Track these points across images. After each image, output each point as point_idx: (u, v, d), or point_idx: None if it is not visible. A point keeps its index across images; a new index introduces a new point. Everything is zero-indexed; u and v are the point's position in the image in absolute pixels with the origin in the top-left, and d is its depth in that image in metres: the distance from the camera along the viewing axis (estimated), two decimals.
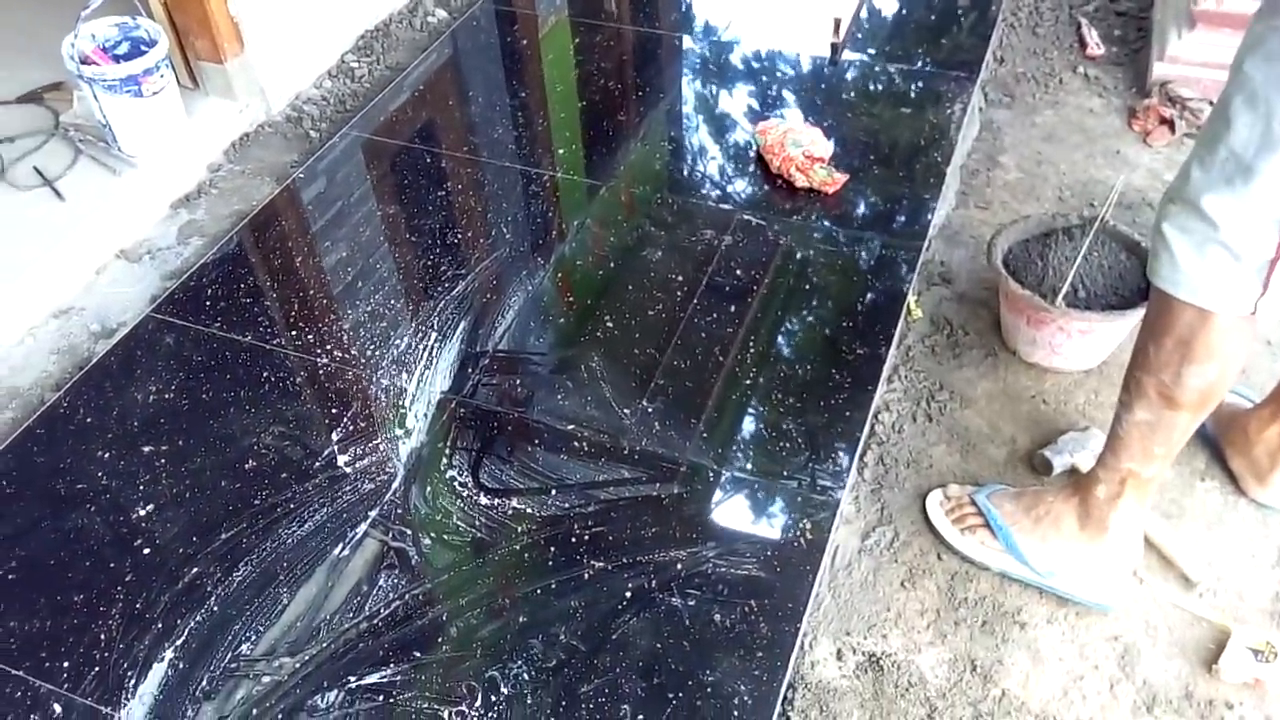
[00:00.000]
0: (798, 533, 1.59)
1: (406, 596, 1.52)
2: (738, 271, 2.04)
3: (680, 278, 2.03)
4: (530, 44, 2.78)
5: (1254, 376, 1.83)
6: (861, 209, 2.20)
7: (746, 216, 2.17)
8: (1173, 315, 1.24)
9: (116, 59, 2.20)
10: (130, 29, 2.23)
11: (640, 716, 1.38)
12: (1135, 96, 2.52)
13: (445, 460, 1.71)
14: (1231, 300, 1.19)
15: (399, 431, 1.76)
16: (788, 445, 1.72)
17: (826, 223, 2.15)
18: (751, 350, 1.88)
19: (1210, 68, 2.41)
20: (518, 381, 1.85)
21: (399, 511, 1.64)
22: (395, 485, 1.67)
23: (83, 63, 2.13)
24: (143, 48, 2.20)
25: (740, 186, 2.27)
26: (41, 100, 2.40)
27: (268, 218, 2.21)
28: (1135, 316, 1.74)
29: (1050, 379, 1.87)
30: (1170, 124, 2.39)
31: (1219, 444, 1.70)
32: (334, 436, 1.75)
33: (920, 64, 2.61)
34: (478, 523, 1.62)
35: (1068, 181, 2.30)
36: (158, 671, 1.44)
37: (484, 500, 1.65)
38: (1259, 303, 1.18)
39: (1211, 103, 1.19)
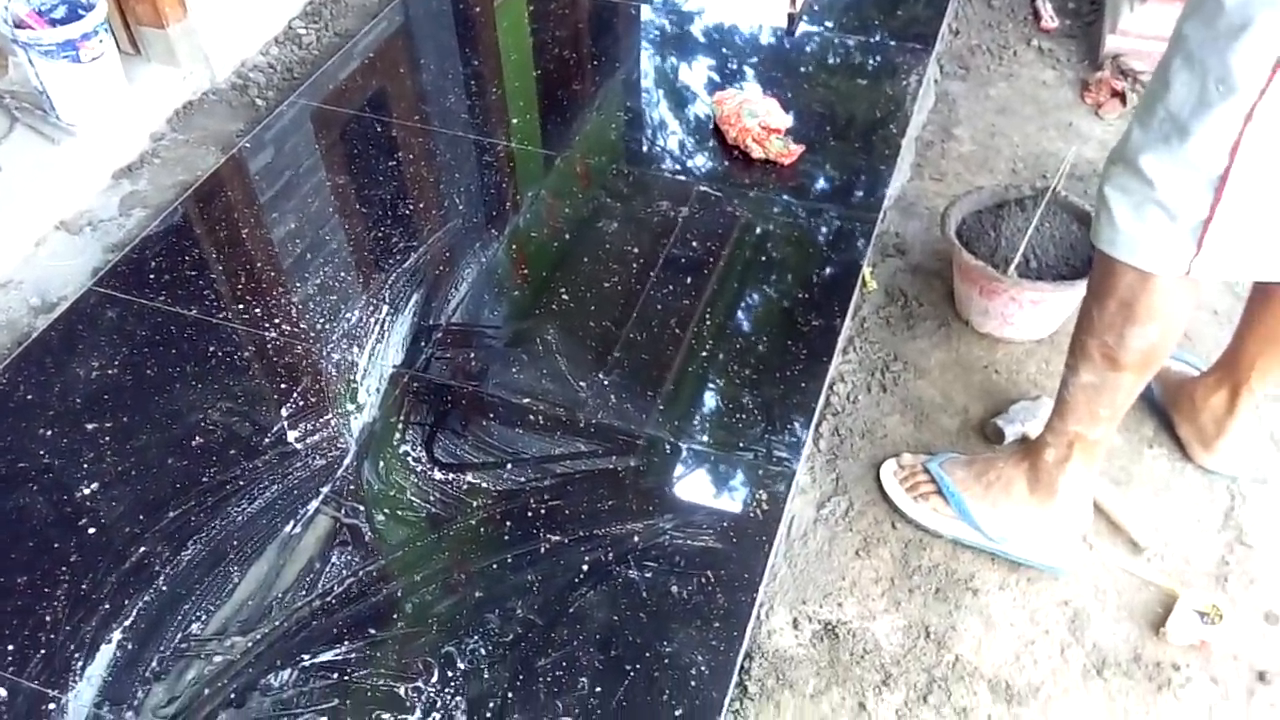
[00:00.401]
0: (754, 504, 1.59)
1: (360, 573, 1.51)
2: (694, 243, 2.03)
3: (636, 250, 2.01)
4: (484, 11, 2.73)
5: (1200, 345, 1.87)
6: (818, 181, 2.19)
7: (703, 188, 2.16)
8: (1114, 277, 1.26)
9: (53, 23, 2.12)
10: None
11: (598, 688, 1.38)
12: (1088, 69, 2.54)
13: (398, 435, 1.69)
14: (1168, 261, 1.20)
15: (350, 406, 1.73)
16: (744, 417, 1.72)
17: (783, 195, 2.15)
18: (708, 323, 1.87)
19: (1162, 41, 2.36)
20: (472, 355, 1.83)
21: (351, 487, 1.61)
22: (347, 461, 1.65)
23: (17, 27, 2.06)
24: (80, 11, 2.12)
25: (697, 158, 2.25)
26: None
27: (213, 188, 2.16)
28: (1085, 286, 1.75)
29: (1002, 349, 1.88)
30: (1122, 96, 2.41)
31: (1167, 411, 1.73)
32: (284, 412, 1.72)
33: (877, 36, 2.61)
34: (432, 498, 1.60)
35: (1021, 153, 2.31)
36: (106, 653, 1.41)
37: (438, 475, 1.63)
38: (1193, 263, 1.19)
39: None
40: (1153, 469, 1.69)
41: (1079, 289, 1.76)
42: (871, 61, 2.53)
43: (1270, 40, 1.02)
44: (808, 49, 2.59)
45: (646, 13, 2.73)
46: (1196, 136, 1.11)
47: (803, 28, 2.64)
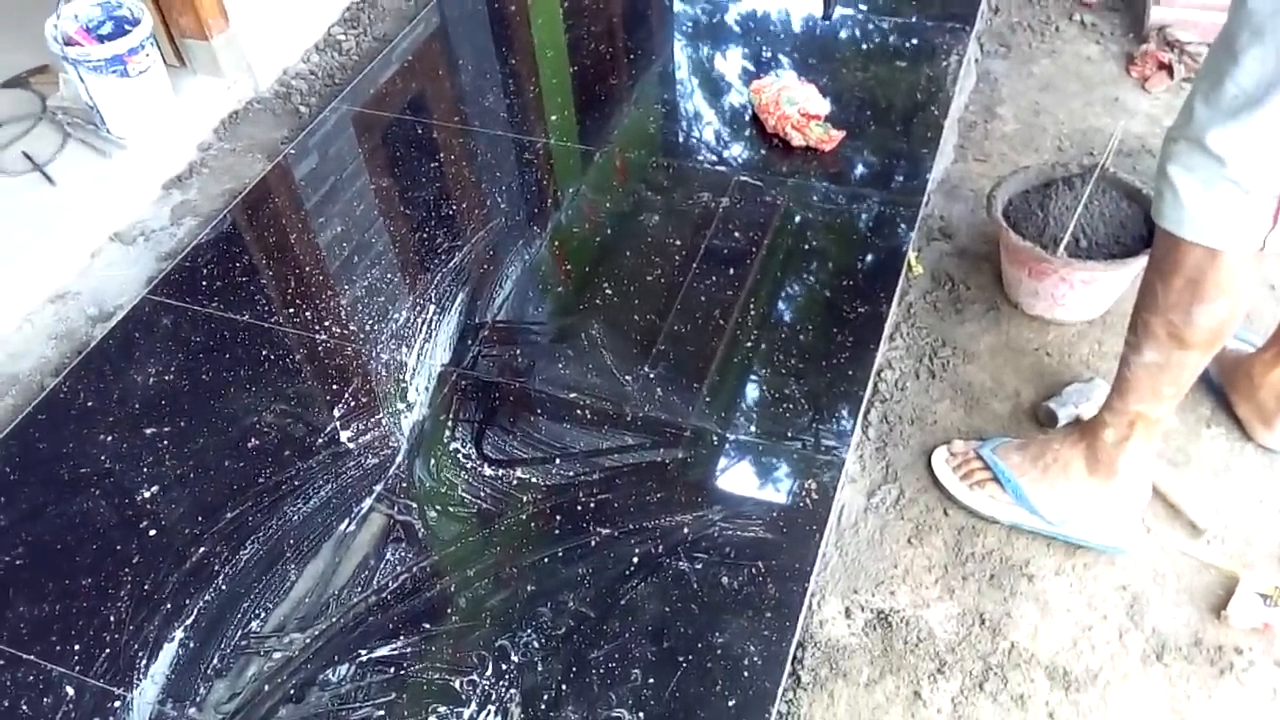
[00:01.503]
0: (803, 493, 1.59)
1: (414, 569, 1.53)
2: (736, 234, 2.02)
3: (678, 242, 2.01)
4: (519, 9, 2.74)
5: (1257, 321, 1.82)
6: (859, 166, 2.17)
7: (743, 178, 2.15)
8: (1180, 255, 1.23)
9: (100, 39, 2.17)
10: (113, 8, 2.21)
11: (651, 680, 1.39)
12: (1132, 42, 2.49)
13: (448, 433, 1.71)
14: (1240, 237, 1.18)
15: (400, 405, 1.76)
16: (791, 407, 1.71)
17: (824, 181, 2.13)
18: (752, 312, 1.87)
19: (1209, 9, 2.37)
20: (518, 351, 1.84)
21: (403, 485, 1.63)
22: (399, 459, 1.67)
23: (66, 44, 2.11)
24: (126, 26, 2.17)
25: (736, 148, 2.24)
26: (28, 84, 2.38)
27: (260, 195, 2.19)
28: (1138, 265, 1.72)
29: (1053, 331, 1.85)
30: (1169, 69, 2.36)
31: (1224, 390, 1.69)
32: (336, 413, 1.74)
33: (914, 16, 2.58)
34: (482, 494, 1.62)
35: (1066, 131, 2.27)
36: (168, 651, 1.45)
37: (488, 471, 1.65)
38: (1268, 238, 1.17)
39: (1210, 45, 1.17)
40: (1211, 449, 1.66)
41: (1132, 267, 1.73)
42: (910, 43, 2.50)
43: None
44: (844, 33, 2.56)
45: (680, 3, 2.72)
46: (1270, 110, 1.09)
47: (839, 11, 2.62)
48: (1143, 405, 1.41)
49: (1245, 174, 1.14)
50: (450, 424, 1.72)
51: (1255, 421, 1.64)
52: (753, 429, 1.68)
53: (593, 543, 1.54)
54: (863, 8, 2.63)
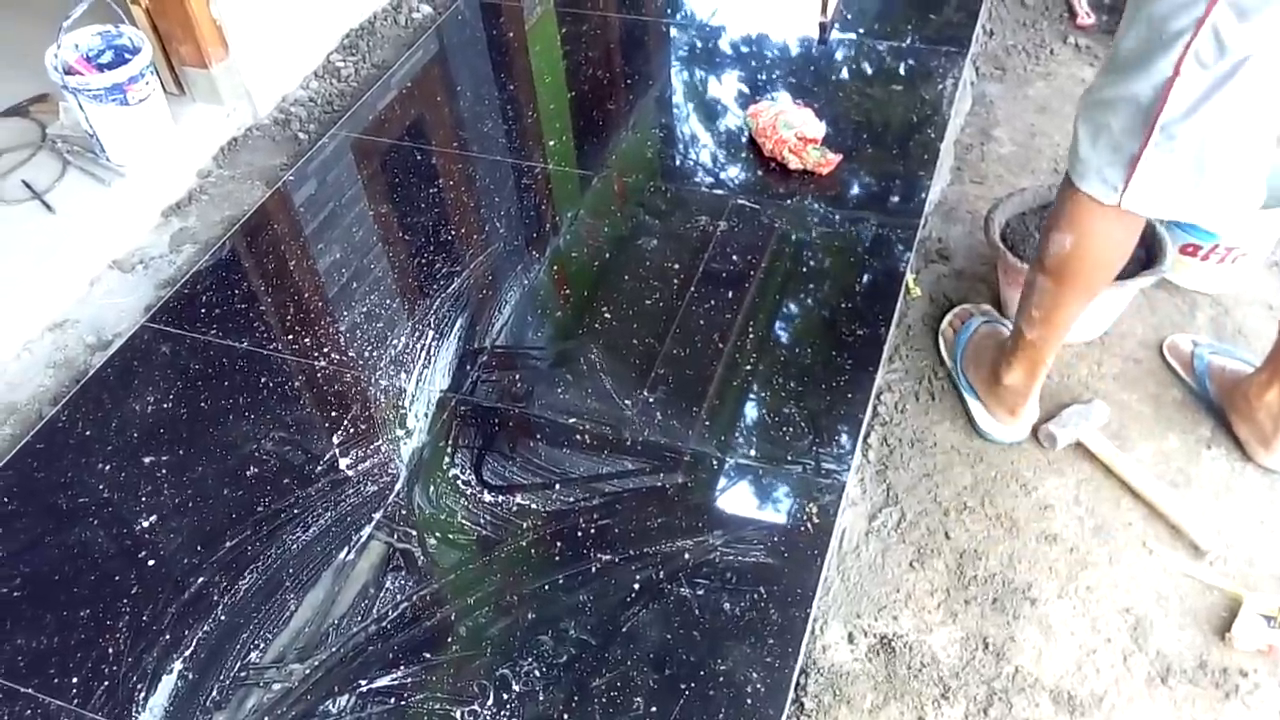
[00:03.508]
0: (804, 517, 1.58)
1: (414, 597, 1.52)
2: (734, 257, 2.03)
3: (676, 266, 2.02)
4: (516, 36, 2.76)
5: (1255, 341, 1.82)
6: (856, 189, 2.18)
7: (741, 201, 2.16)
8: (1063, 191, 1.42)
9: (100, 68, 2.18)
10: (113, 37, 2.22)
11: (653, 708, 1.38)
12: None
13: (448, 459, 1.71)
14: (1100, 186, 1.34)
15: (400, 432, 1.75)
16: (791, 430, 1.71)
17: (821, 204, 2.14)
18: (751, 336, 1.87)
19: None
20: (517, 377, 1.84)
21: (403, 512, 1.63)
22: (398, 486, 1.67)
23: (67, 73, 2.12)
24: (126, 55, 2.18)
25: (733, 171, 2.25)
26: (27, 113, 2.39)
27: (259, 222, 2.20)
28: (1134, 286, 1.73)
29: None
30: None
31: (1224, 411, 1.70)
32: (335, 440, 1.74)
33: (910, 40, 2.59)
34: (482, 520, 1.61)
35: (1062, 153, 2.28)
36: (167, 683, 1.44)
37: (488, 498, 1.64)
38: (1123, 196, 1.32)
39: None
40: (1212, 471, 1.66)
41: (1127, 289, 1.74)
42: (906, 66, 2.51)
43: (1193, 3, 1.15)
44: (840, 57, 2.58)
45: (676, 29, 2.74)
46: (1138, 76, 1.24)
47: (834, 35, 2.63)
48: (1021, 321, 1.59)
49: (1117, 131, 1.29)
50: (450, 450, 1.72)
51: (1254, 442, 1.65)
52: (752, 452, 1.68)
53: (593, 569, 1.53)
54: (858, 32, 2.64)
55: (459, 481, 1.67)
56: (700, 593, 1.49)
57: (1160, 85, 1.22)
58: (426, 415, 1.78)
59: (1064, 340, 1.60)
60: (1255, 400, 1.63)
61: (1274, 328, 1.84)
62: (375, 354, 1.89)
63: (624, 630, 1.46)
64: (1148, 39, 1.21)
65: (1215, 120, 1.22)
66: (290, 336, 1.93)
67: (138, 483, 1.69)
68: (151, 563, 1.59)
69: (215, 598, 1.53)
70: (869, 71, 2.53)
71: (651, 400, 1.77)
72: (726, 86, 2.52)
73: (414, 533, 1.60)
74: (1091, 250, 1.43)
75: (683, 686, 1.39)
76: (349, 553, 1.58)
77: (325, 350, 1.90)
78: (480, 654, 1.45)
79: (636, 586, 1.51)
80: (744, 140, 2.31)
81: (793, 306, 1.93)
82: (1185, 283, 1.93)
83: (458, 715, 1.38)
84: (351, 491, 1.66)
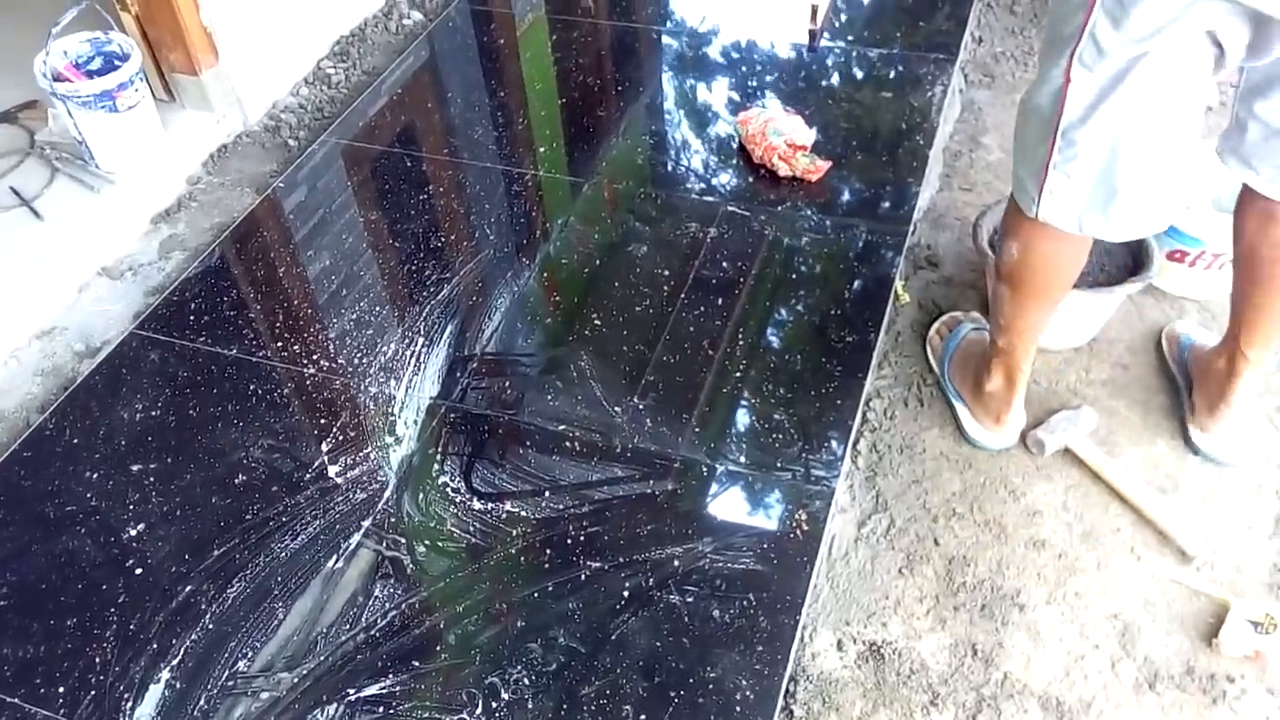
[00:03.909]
0: (793, 524, 1.58)
1: (403, 605, 1.51)
2: (724, 264, 2.03)
3: (667, 272, 2.02)
4: (507, 43, 2.77)
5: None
6: (846, 196, 2.19)
7: (731, 208, 2.16)
8: (1008, 203, 1.46)
9: (90, 75, 2.18)
10: (103, 44, 2.21)
11: (643, 716, 1.38)
12: None
13: (437, 466, 1.70)
14: (1023, 196, 1.39)
15: (389, 439, 1.75)
16: (780, 436, 1.71)
17: (811, 211, 2.14)
18: (741, 342, 1.87)
19: None
20: (507, 384, 1.84)
21: (392, 520, 1.63)
22: (387, 494, 1.66)
23: (56, 80, 2.11)
24: (116, 62, 2.18)
25: (724, 178, 2.26)
26: (16, 120, 2.38)
27: (249, 229, 2.20)
28: (1122, 292, 1.74)
29: (1040, 358, 1.85)
30: None
31: (1190, 380, 1.74)
32: (324, 447, 1.74)
33: (899, 47, 2.60)
34: (472, 528, 1.61)
35: None
36: (154, 692, 1.43)
37: (477, 505, 1.64)
38: (1037, 208, 1.35)
39: None
40: (1200, 476, 1.66)
41: (1116, 295, 1.74)
42: (895, 73, 2.52)
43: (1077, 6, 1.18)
44: (830, 64, 2.59)
45: (667, 36, 2.75)
46: (1042, 83, 1.28)
47: (824, 42, 2.64)
48: (992, 329, 1.63)
49: (1030, 143, 1.33)
50: (439, 457, 1.72)
51: (1202, 409, 1.68)
52: (742, 459, 1.68)
53: (583, 576, 1.53)
54: (847, 39, 2.65)
55: (448, 489, 1.67)
56: (690, 600, 1.49)
57: (1057, 91, 1.24)
58: (416, 422, 1.78)
59: (1035, 347, 1.61)
60: (1210, 366, 1.68)
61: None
62: (365, 361, 1.88)
63: (613, 638, 1.46)
64: (1046, 46, 1.26)
65: (1111, 129, 1.24)
66: (279, 343, 1.93)
67: (125, 491, 1.69)
68: (139, 571, 1.58)
69: (203, 606, 1.53)
70: (858, 78, 2.53)
71: (641, 407, 1.77)
72: (716, 93, 2.52)
73: (403, 540, 1.60)
74: (1035, 259, 1.45)
75: (672, 694, 1.39)
76: (338, 561, 1.57)
77: (314, 357, 1.90)
78: (469, 662, 1.44)
79: (626, 594, 1.51)
80: (734, 147, 2.32)
81: (782, 313, 1.94)
82: (1172, 288, 1.93)
83: None
84: (340, 499, 1.66)
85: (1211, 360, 1.68)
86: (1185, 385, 1.75)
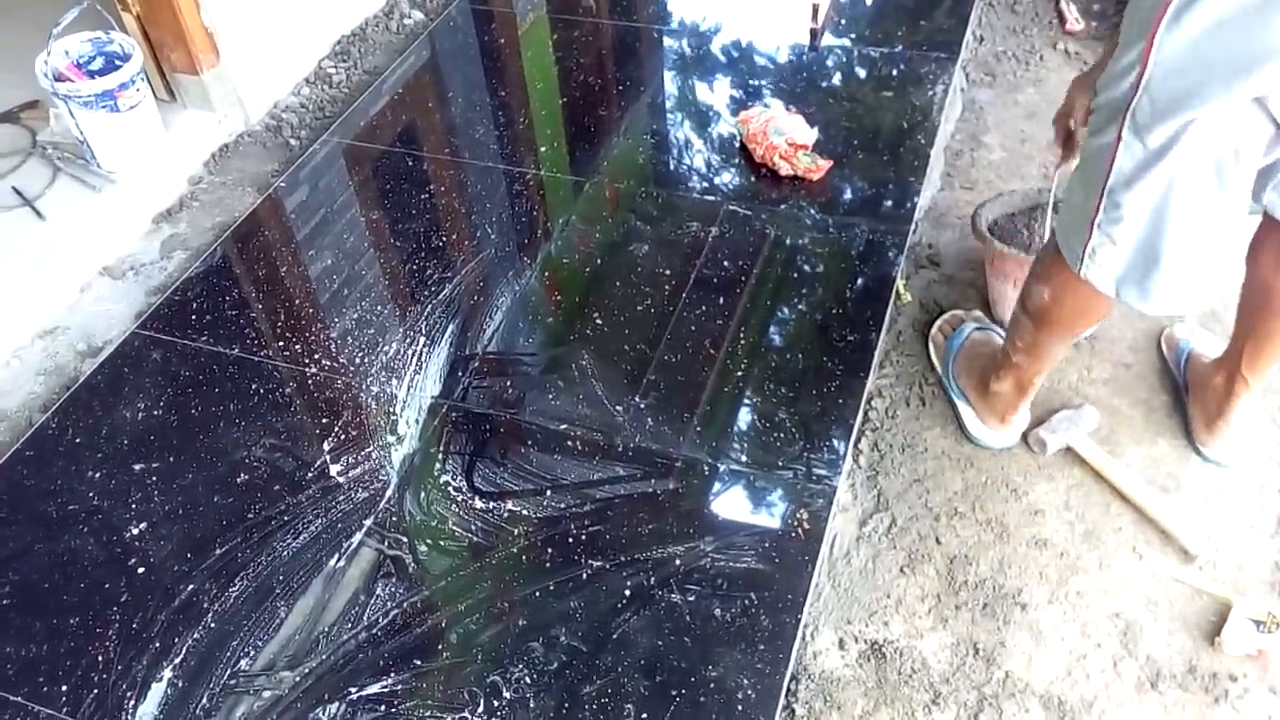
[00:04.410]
0: (795, 523, 1.58)
1: (405, 604, 1.52)
2: (725, 263, 2.03)
3: (668, 271, 2.02)
4: (509, 42, 2.77)
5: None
6: (847, 195, 2.19)
7: (732, 207, 2.16)
8: (1046, 246, 1.46)
9: (91, 75, 2.18)
10: (104, 44, 2.22)
11: (644, 715, 1.38)
12: None
13: (439, 465, 1.70)
14: (1067, 250, 1.37)
15: (391, 438, 1.75)
16: (782, 436, 1.71)
17: (813, 210, 2.14)
18: (742, 342, 1.87)
19: None
20: (508, 383, 1.84)
21: (394, 519, 1.63)
22: (389, 493, 1.66)
23: (57, 80, 2.11)
24: (117, 62, 2.18)
25: (725, 177, 2.26)
26: (18, 120, 2.38)
27: (250, 228, 2.20)
28: None
29: None
30: None
31: (1188, 387, 1.75)
32: (325, 446, 1.74)
33: (900, 47, 2.60)
34: (473, 527, 1.61)
35: (1052, 159, 2.29)
36: (157, 691, 1.43)
37: (479, 504, 1.64)
38: (1082, 267, 1.34)
39: None
40: (1202, 476, 1.66)
41: None
42: (896, 73, 2.52)
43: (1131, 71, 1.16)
44: (831, 63, 2.59)
45: (668, 36, 2.75)
46: (1096, 137, 1.26)
47: (825, 41, 2.64)
48: (1008, 343, 1.62)
49: (1080, 199, 1.32)
50: (441, 457, 1.72)
51: (1199, 421, 1.69)
52: (744, 458, 1.68)
53: (584, 575, 1.53)
54: (849, 38, 2.65)
55: (450, 488, 1.67)
56: (691, 599, 1.49)
57: (1108, 146, 1.22)
58: (418, 421, 1.78)
59: (1051, 366, 1.61)
60: (1208, 381, 1.68)
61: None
62: (366, 360, 1.89)
63: (615, 637, 1.46)
64: (1103, 103, 1.23)
65: (1155, 197, 1.21)
66: (281, 343, 1.93)
67: (128, 490, 1.69)
68: (141, 570, 1.58)
69: (205, 605, 1.53)
70: (860, 77, 2.53)
71: (643, 406, 1.77)
72: (718, 93, 2.52)
73: (405, 539, 1.60)
74: (1066, 306, 1.45)
75: (673, 693, 1.39)
76: (339, 560, 1.57)
77: (316, 356, 1.90)
78: (471, 661, 1.45)
79: (627, 593, 1.51)
80: (735, 146, 2.32)
81: (784, 312, 1.94)
82: None
83: None
84: (342, 498, 1.66)
85: (1210, 375, 1.68)
86: (1185, 391, 1.75)
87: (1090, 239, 1.30)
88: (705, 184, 2.24)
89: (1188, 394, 1.74)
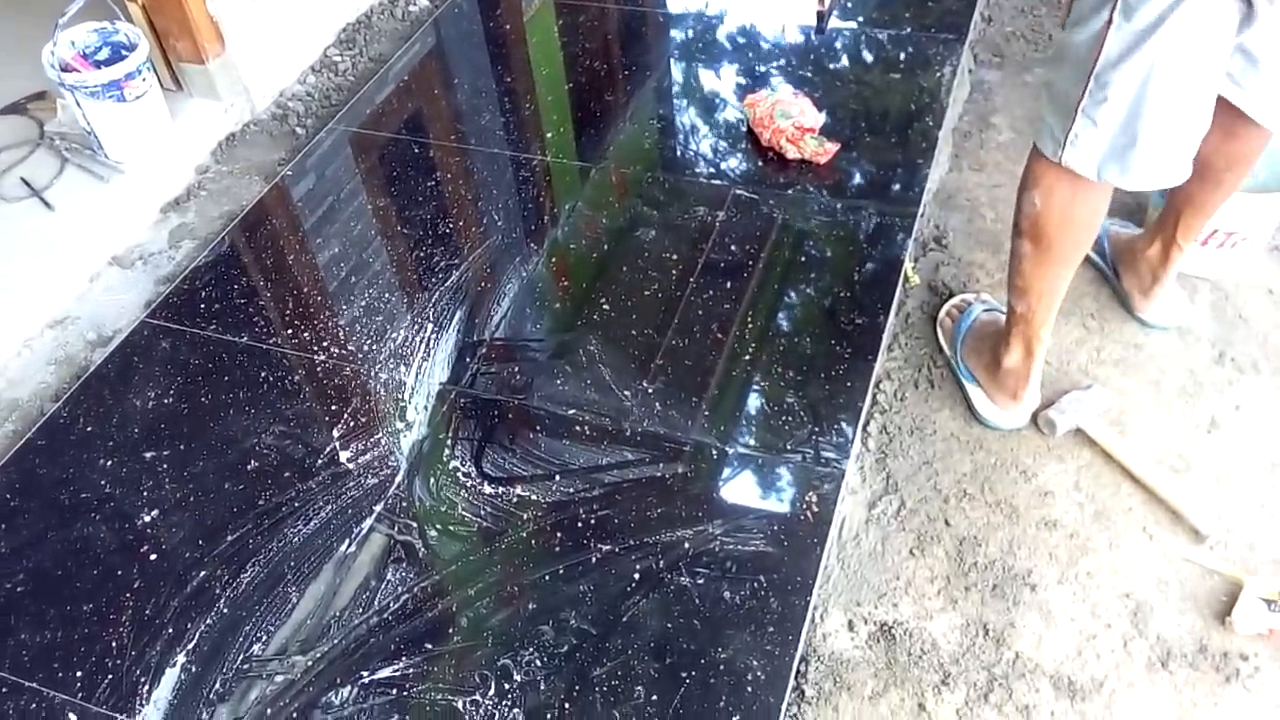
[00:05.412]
0: (804, 506, 1.58)
1: (415, 589, 1.52)
2: (733, 247, 2.03)
3: (675, 256, 2.02)
4: (514, 28, 2.76)
5: (1257, 326, 1.82)
6: (855, 178, 2.18)
7: (739, 191, 2.15)
8: (1030, 153, 1.48)
9: (97, 65, 2.18)
10: (109, 34, 2.22)
11: (654, 697, 1.38)
12: None
13: (448, 451, 1.71)
14: (1048, 141, 1.41)
15: (400, 425, 1.76)
16: (790, 419, 1.71)
17: (820, 194, 2.13)
18: (750, 325, 1.87)
19: None
20: (516, 369, 1.84)
21: (404, 505, 1.63)
22: (399, 479, 1.67)
23: (64, 70, 2.12)
24: (123, 52, 2.18)
25: (732, 161, 2.25)
26: (25, 111, 2.39)
27: (258, 217, 2.20)
28: None
29: (1053, 337, 1.85)
30: None
31: (1115, 267, 1.85)
32: (335, 433, 1.74)
33: (908, 28, 2.58)
34: (483, 512, 1.62)
35: None
36: (170, 676, 1.45)
37: (488, 489, 1.65)
38: (1063, 154, 1.38)
39: None
40: (1212, 455, 1.65)
41: None
42: (903, 54, 2.51)
43: None
44: (838, 45, 2.57)
45: (674, 19, 2.73)
46: (1082, 30, 1.30)
47: (832, 24, 2.63)
48: (1010, 297, 1.62)
49: (1062, 85, 1.36)
50: (450, 442, 1.72)
51: (1136, 293, 1.81)
52: (752, 442, 1.68)
53: (594, 559, 1.54)
54: (856, 20, 2.64)
55: (459, 473, 1.67)
56: (700, 582, 1.50)
57: (1097, 32, 1.27)
58: (426, 408, 1.78)
59: (1054, 315, 1.60)
60: (1140, 254, 1.79)
61: (1275, 313, 1.84)
62: (375, 347, 1.89)
63: (624, 620, 1.46)
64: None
65: (1141, 74, 1.27)
66: (290, 331, 1.93)
67: (139, 478, 1.70)
68: (154, 557, 1.59)
69: (217, 591, 1.54)
70: (867, 60, 2.52)
71: (651, 391, 1.77)
72: (724, 77, 2.51)
73: (415, 525, 1.61)
74: (1057, 209, 1.46)
75: (683, 675, 1.40)
76: (350, 545, 1.58)
77: (325, 344, 1.90)
78: (481, 644, 1.45)
79: (637, 576, 1.51)
80: (742, 130, 2.31)
81: (792, 296, 1.93)
82: (1185, 268, 1.92)
83: (459, 705, 1.39)
84: (352, 484, 1.67)
85: (1143, 246, 1.79)
86: (1112, 272, 1.88)
87: (1073, 124, 1.35)
88: (712, 168, 2.23)
89: (1117, 272, 1.85)
